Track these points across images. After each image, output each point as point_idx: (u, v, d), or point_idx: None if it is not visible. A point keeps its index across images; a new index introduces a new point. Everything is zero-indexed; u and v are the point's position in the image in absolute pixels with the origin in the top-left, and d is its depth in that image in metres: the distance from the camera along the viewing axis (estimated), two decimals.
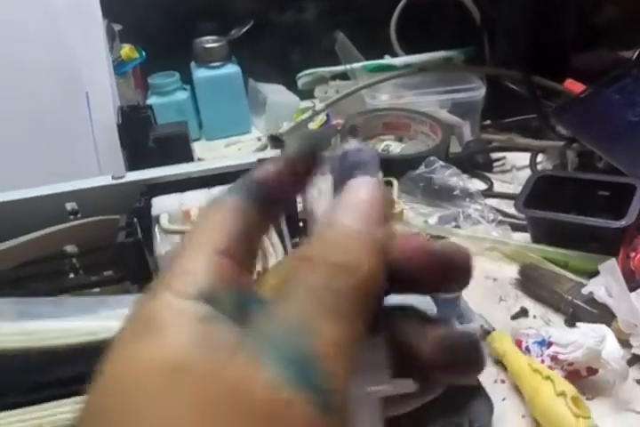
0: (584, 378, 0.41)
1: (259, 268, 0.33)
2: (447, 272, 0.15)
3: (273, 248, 0.33)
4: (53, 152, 0.46)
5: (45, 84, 0.47)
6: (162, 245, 0.34)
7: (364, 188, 0.16)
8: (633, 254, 0.49)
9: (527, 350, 0.44)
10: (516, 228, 0.60)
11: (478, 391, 0.40)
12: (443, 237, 0.59)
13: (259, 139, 0.86)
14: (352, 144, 0.17)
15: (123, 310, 0.32)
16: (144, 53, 0.76)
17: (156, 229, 0.35)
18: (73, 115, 0.46)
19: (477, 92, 0.75)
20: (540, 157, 0.73)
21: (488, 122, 0.79)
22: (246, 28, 0.87)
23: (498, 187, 0.71)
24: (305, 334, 0.13)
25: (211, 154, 0.79)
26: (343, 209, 0.15)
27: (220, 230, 0.15)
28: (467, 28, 0.87)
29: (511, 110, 0.78)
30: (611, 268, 0.44)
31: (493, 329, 0.46)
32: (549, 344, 0.42)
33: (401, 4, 0.88)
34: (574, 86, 0.72)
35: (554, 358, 0.41)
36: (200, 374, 0.13)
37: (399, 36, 0.89)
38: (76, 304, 0.33)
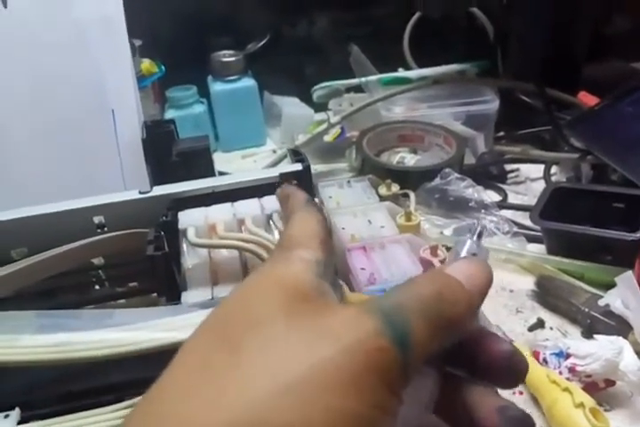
0: (602, 390, 0.41)
1: None
2: (509, 374, 0.18)
3: None
4: (80, 168, 0.47)
5: (73, 102, 0.49)
6: (189, 258, 0.35)
7: (483, 265, 0.19)
8: None
9: (545, 361, 0.44)
10: (531, 239, 0.61)
11: None
12: None
13: (274, 151, 0.87)
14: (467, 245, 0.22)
15: (140, 323, 0.33)
16: (163, 68, 0.77)
17: (184, 243, 0.36)
18: (99, 131, 0.48)
19: (491, 104, 0.75)
20: (553, 169, 0.74)
21: (502, 134, 0.80)
22: (262, 43, 0.89)
23: (512, 198, 0.71)
24: (406, 316, 0.16)
25: (227, 166, 0.80)
26: (467, 266, 0.18)
27: (317, 228, 0.20)
28: (479, 42, 0.88)
29: (524, 122, 0.79)
30: (627, 280, 0.44)
31: (511, 341, 0.46)
32: (567, 356, 0.42)
33: (414, 18, 0.90)
34: (587, 99, 0.72)
35: (572, 370, 0.42)
36: (311, 306, 0.16)
37: (412, 50, 0.90)
38: (92, 317, 0.34)
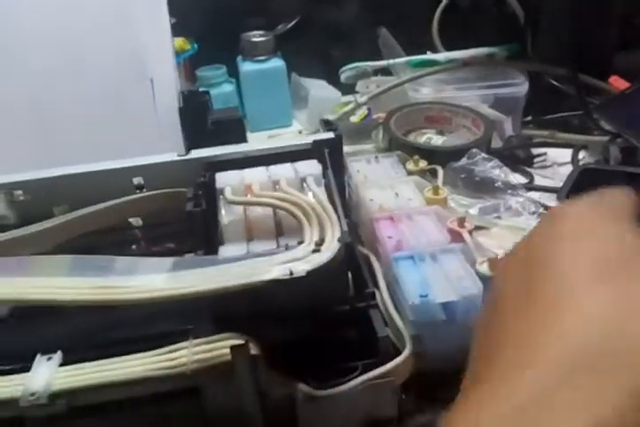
0: None
1: (315, 237, 0.35)
2: None
3: (330, 219, 0.35)
4: (119, 133, 0.49)
5: (113, 70, 0.50)
6: (226, 215, 0.37)
7: None
8: None
9: None
10: None
11: None
12: (484, 228, 0.60)
13: (300, 132, 0.88)
14: None
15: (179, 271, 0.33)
16: (196, 46, 0.79)
17: (221, 201, 0.38)
18: (138, 99, 0.49)
19: (520, 87, 0.75)
20: (581, 154, 0.74)
21: (530, 118, 0.80)
22: (292, 24, 0.89)
23: (538, 182, 0.71)
24: None
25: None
26: None
27: None
28: (509, 25, 0.88)
29: (553, 107, 0.79)
30: None
31: None
32: None
33: (444, 2, 0.90)
34: (619, 83, 0.72)
35: None
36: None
37: (441, 33, 0.90)
38: (130, 262, 0.34)
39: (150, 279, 0.33)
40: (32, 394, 0.31)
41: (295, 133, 0.88)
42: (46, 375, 0.32)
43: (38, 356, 0.34)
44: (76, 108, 0.48)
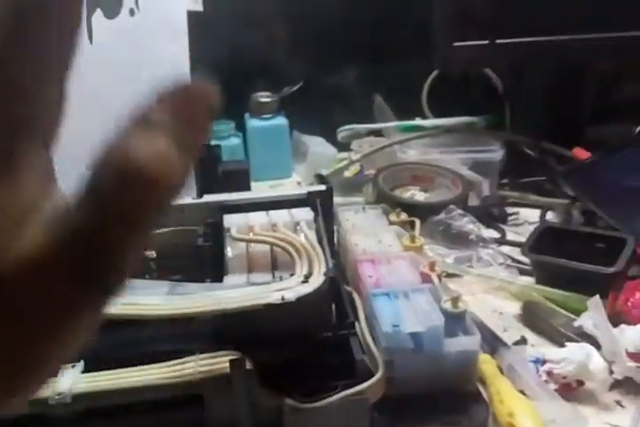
0: (574, 390, 0.48)
1: (305, 271, 0.42)
2: None
3: (317, 257, 0.42)
4: None
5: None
6: (231, 250, 0.44)
7: None
8: (621, 297, 0.56)
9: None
10: (522, 272, 0.68)
11: (476, 397, 0.47)
12: (457, 275, 0.67)
13: (298, 183, 0.96)
14: None
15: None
16: None
17: (227, 238, 0.45)
18: None
19: (496, 153, 0.85)
20: (549, 215, 0.82)
21: (505, 181, 0.89)
22: (296, 87, 1.00)
23: (511, 237, 0.79)
24: None
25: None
26: None
27: None
28: (491, 98, 0.98)
29: (526, 172, 0.88)
30: (595, 303, 0.52)
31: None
32: (543, 362, 0.49)
33: (433, 74, 1.01)
34: (581, 153, 0.81)
35: (549, 374, 0.49)
36: None
37: (430, 102, 1.01)
38: (149, 285, 0.41)
39: (161, 299, 0.40)
40: (59, 394, 0.37)
41: (294, 184, 0.97)
42: (70, 379, 0.39)
43: None
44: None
